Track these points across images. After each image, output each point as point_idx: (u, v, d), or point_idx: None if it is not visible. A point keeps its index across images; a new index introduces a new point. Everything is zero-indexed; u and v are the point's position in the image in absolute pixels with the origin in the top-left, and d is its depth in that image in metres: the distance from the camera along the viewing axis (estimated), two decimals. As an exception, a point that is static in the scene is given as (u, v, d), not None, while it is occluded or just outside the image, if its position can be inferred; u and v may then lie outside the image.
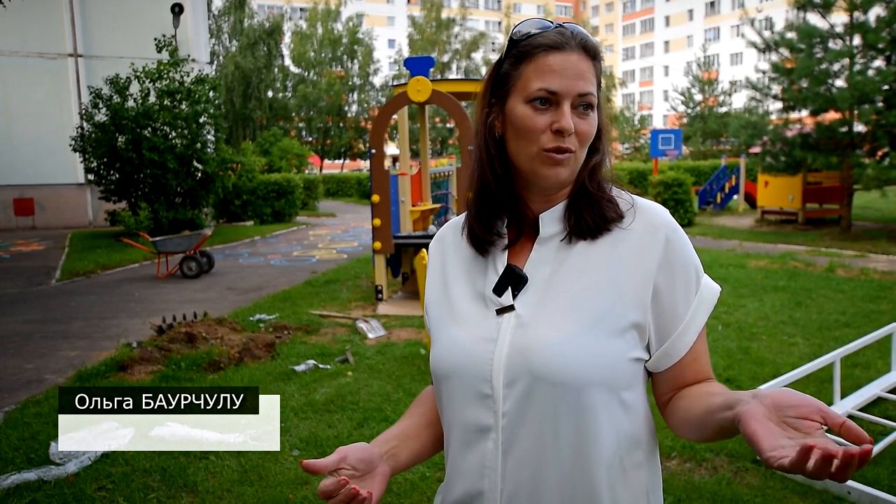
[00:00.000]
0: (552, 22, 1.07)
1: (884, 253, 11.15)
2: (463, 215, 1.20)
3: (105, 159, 14.63)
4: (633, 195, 1.11)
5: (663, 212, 1.09)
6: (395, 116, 8.27)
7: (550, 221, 1.09)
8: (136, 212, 14.48)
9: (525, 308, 1.05)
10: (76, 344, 6.61)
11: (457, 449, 1.10)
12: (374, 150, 7.75)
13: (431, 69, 7.65)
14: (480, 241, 1.13)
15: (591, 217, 1.06)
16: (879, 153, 12.69)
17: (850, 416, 4.17)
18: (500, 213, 1.13)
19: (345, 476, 1.00)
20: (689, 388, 1.08)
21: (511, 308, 1.06)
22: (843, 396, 4.31)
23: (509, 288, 1.08)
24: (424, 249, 6.00)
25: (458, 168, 8.09)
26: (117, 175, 14.86)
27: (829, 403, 4.24)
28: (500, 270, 1.10)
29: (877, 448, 3.68)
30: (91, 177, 15.67)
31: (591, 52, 1.05)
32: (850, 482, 3.26)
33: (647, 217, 1.07)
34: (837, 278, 8.85)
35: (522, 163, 1.07)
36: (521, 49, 1.05)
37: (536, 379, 1.00)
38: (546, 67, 1.02)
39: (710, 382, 1.09)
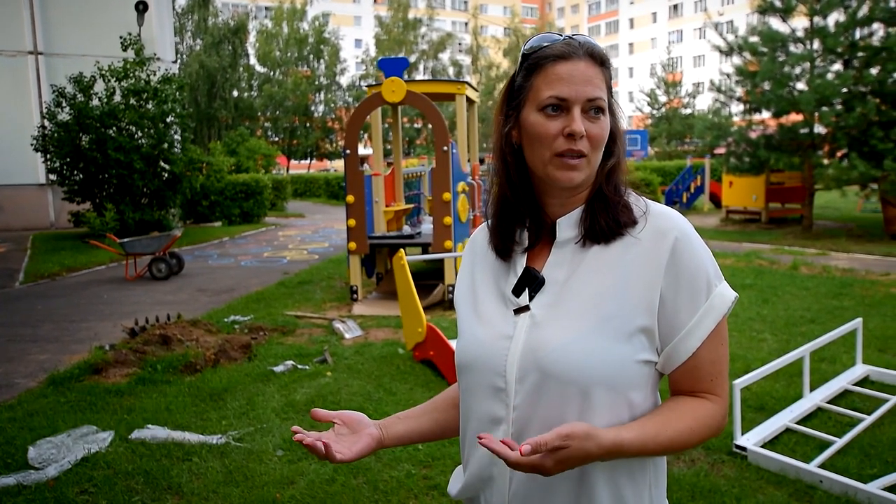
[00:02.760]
0: (560, 34, 1.13)
1: (844, 251, 11.47)
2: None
3: (68, 159, 14.32)
4: (648, 201, 1.15)
5: (675, 217, 1.11)
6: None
7: (567, 226, 1.14)
8: (102, 213, 14.21)
9: (540, 309, 1.11)
10: (46, 347, 6.49)
11: (472, 437, 1.17)
12: (348, 151, 7.75)
13: (405, 70, 7.68)
14: (501, 247, 1.20)
15: (606, 221, 1.11)
16: (839, 154, 13.06)
17: (820, 409, 4.32)
18: (519, 219, 1.19)
19: (333, 430, 1.20)
20: (673, 396, 1.13)
21: (527, 308, 1.12)
22: (811, 390, 4.45)
23: (526, 289, 1.14)
24: (402, 250, 6.03)
25: (432, 168, 8.13)
26: (81, 175, 14.56)
27: (799, 397, 4.38)
28: (519, 272, 1.16)
29: (845, 439, 3.82)
30: (53, 177, 15.33)
31: (599, 59, 1.11)
32: (820, 471, 3.38)
33: (658, 222, 1.10)
34: (801, 276, 9.09)
35: (538, 168, 1.12)
36: (532, 61, 1.12)
37: (545, 376, 1.06)
38: (555, 76, 1.08)
39: (686, 398, 1.11)
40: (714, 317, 1.08)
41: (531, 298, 1.13)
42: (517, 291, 1.15)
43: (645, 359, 1.08)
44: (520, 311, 1.13)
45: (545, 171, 1.11)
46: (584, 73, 1.08)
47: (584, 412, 1.05)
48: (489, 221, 1.24)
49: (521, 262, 1.17)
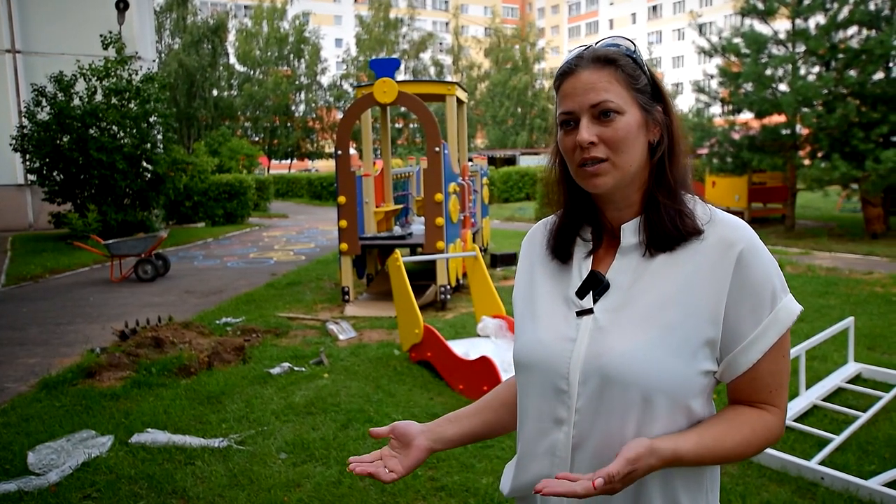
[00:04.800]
0: (585, 47, 1.15)
1: (826, 250, 11.64)
2: (553, 216, 1.27)
3: (48, 160, 14.13)
4: (713, 209, 1.14)
5: (742, 228, 1.10)
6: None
7: (630, 233, 1.15)
8: (84, 214, 14.03)
9: (603, 313, 1.11)
10: (34, 351, 6.40)
11: (531, 435, 1.18)
12: (340, 152, 7.72)
13: (397, 70, 7.67)
14: (560, 250, 1.21)
15: (665, 230, 1.11)
16: (819, 154, 13.24)
17: (816, 407, 4.38)
18: (580, 224, 1.21)
19: (388, 447, 1.26)
20: (731, 405, 1.14)
21: (590, 311, 1.13)
22: (806, 388, 4.52)
23: (591, 292, 1.14)
24: (398, 251, 6.02)
25: (423, 169, 8.13)
26: (62, 176, 14.38)
27: (796, 394, 4.44)
28: (584, 275, 1.16)
29: (842, 436, 3.88)
30: (32, 178, 15.11)
31: (604, 60, 1.11)
32: (821, 468, 3.44)
33: (723, 232, 1.09)
34: (787, 275, 9.12)
35: (575, 179, 1.15)
36: (555, 86, 1.16)
37: (607, 381, 1.07)
38: (563, 94, 1.13)
39: (744, 408, 1.12)
40: (778, 330, 1.08)
41: (595, 302, 1.13)
42: (581, 293, 1.15)
43: (707, 369, 1.08)
44: (582, 313, 1.13)
45: (578, 182, 1.14)
46: (585, 81, 1.09)
47: (644, 418, 1.06)
48: (551, 223, 1.25)
49: (586, 265, 1.17)
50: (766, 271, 1.08)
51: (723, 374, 1.11)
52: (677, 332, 1.06)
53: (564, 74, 1.12)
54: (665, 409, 1.06)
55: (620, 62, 1.11)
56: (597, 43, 1.15)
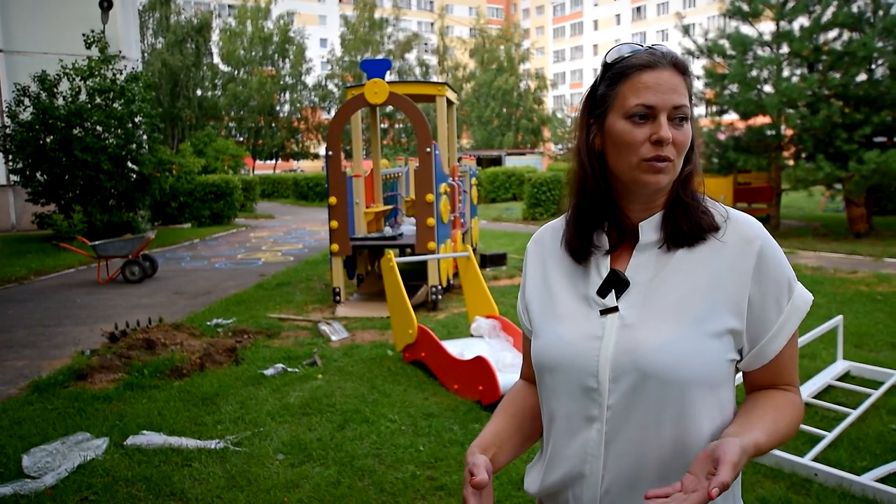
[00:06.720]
0: (642, 45, 1.16)
1: (812, 250, 11.78)
2: (561, 219, 1.28)
3: (31, 160, 13.98)
4: (727, 207, 1.19)
5: (757, 225, 1.16)
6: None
7: (649, 230, 1.17)
8: (70, 214, 13.89)
9: (628, 309, 1.13)
10: (22, 353, 6.33)
11: (560, 434, 1.19)
12: (330, 153, 7.71)
13: (388, 71, 7.68)
14: (578, 250, 1.21)
15: (688, 226, 1.14)
16: (804, 155, 13.39)
17: (807, 404, 4.44)
18: (598, 222, 1.21)
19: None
20: (758, 391, 1.18)
21: (615, 309, 1.14)
22: (797, 385, 4.58)
23: (612, 290, 1.16)
24: (390, 251, 6.02)
25: (414, 169, 8.13)
26: (45, 177, 14.22)
27: (787, 392, 4.49)
28: (604, 274, 1.17)
29: (834, 433, 3.93)
30: (16, 178, 14.93)
31: (682, 68, 1.14)
32: (815, 464, 3.49)
33: (742, 229, 1.15)
34: (773, 274, 9.31)
35: (624, 173, 1.14)
36: (616, 71, 1.14)
37: (644, 376, 1.09)
38: (641, 85, 1.11)
39: (777, 392, 1.16)
40: (798, 316, 1.14)
41: (617, 300, 1.15)
42: (602, 292, 1.16)
43: (731, 358, 1.13)
44: (606, 311, 1.14)
45: (632, 175, 1.12)
46: (669, 81, 1.11)
47: (682, 411, 1.08)
48: (566, 223, 1.25)
49: (604, 264, 1.18)
50: (781, 264, 1.14)
51: (750, 363, 1.15)
52: (707, 323, 1.09)
53: (644, 67, 1.11)
54: (700, 398, 1.09)
55: (689, 74, 1.15)
56: (654, 45, 1.16)
